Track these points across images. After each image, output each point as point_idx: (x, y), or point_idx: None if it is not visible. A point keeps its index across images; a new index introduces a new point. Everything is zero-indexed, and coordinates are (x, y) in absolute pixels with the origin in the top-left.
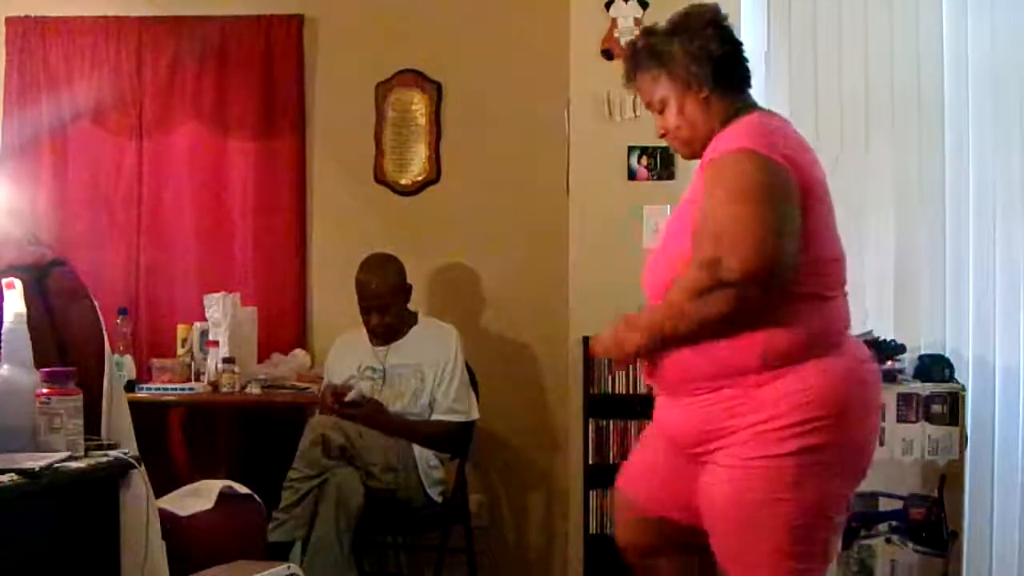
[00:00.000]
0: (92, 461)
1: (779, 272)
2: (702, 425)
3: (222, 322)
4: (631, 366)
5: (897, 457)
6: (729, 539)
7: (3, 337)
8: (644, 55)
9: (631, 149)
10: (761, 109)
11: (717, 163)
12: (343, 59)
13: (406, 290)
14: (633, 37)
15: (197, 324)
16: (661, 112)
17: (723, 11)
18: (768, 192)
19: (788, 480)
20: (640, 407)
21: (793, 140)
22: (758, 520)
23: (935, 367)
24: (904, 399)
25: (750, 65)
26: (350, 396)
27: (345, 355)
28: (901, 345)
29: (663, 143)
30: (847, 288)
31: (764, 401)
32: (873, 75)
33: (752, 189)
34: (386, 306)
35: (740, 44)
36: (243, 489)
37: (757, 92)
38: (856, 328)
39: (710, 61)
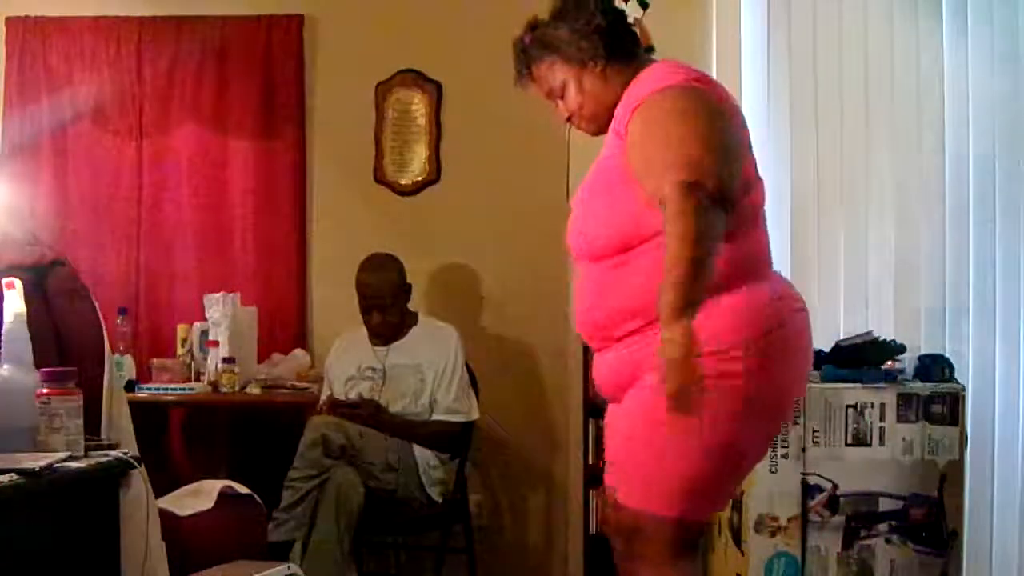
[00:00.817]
0: (92, 461)
1: (721, 178)
2: (627, 368)
3: (222, 322)
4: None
5: (897, 457)
6: (627, 459)
7: (3, 337)
8: (534, 47)
9: None
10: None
11: (646, 104)
12: (343, 59)
13: (406, 290)
14: (518, 35)
15: (197, 324)
16: (562, 97)
17: None
18: (702, 106)
19: (696, 403)
20: None
21: (701, 72)
22: (658, 440)
23: (935, 367)
24: (904, 399)
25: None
26: (350, 396)
27: (345, 355)
28: (901, 345)
29: None
30: (763, 220)
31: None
32: (873, 75)
33: (691, 111)
34: (387, 305)
35: (622, 12)
36: (243, 489)
37: (758, 92)
38: (856, 328)
39: (598, 34)
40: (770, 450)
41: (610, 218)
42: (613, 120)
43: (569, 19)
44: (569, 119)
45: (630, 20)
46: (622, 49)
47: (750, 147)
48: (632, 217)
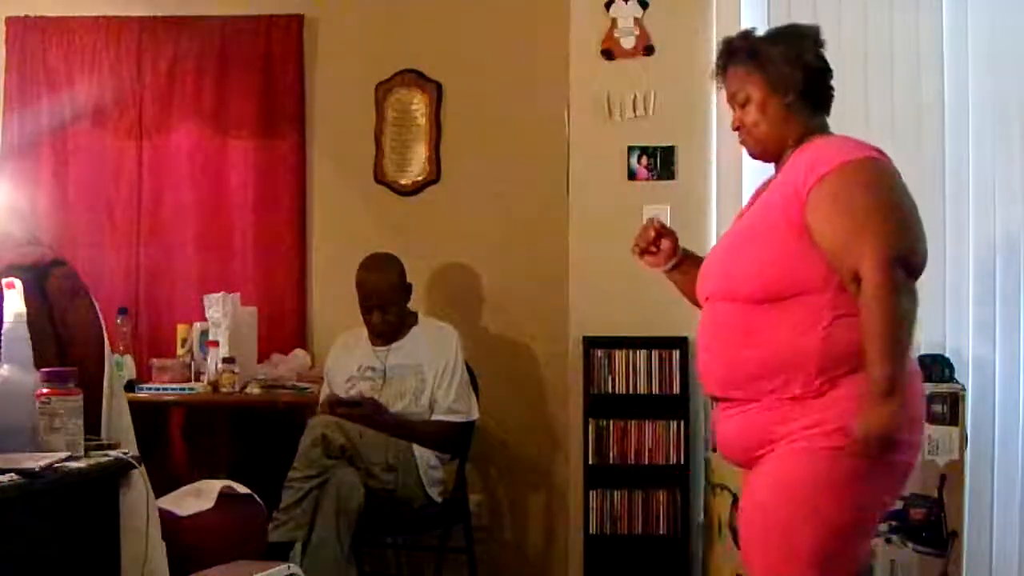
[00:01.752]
0: (92, 461)
1: (919, 252)
2: (757, 431)
3: (222, 322)
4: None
5: None
6: (762, 534)
7: (3, 337)
8: (741, 52)
9: (631, 149)
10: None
11: (839, 173)
12: (343, 59)
13: (406, 289)
14: (730, 35)
15: (197, 324)
16: (743, 107)
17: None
18: (894, 182)
19: (831, 475)
20: (640, 407)
21: (876, 146)
22: (796, 514)
23: (935, 367)
24: None
25: (833, 94)
26: (350, 396)
27: (345, 355)
28: None
29: (663, 143)
30: None
31: (817, 406)
32: (873, 75)
33: (880, 182)
34: (387, 305)
35: (830, 69)
36: (243, 489)
37: None
38: None
39: (803, 69)
40: None
41: (765, 264)
42: (788, 172)
43: (785, 42)
44: (738, 129)
45: (630, 20)
46: (815, 98)
47: None
48: (791, 269)
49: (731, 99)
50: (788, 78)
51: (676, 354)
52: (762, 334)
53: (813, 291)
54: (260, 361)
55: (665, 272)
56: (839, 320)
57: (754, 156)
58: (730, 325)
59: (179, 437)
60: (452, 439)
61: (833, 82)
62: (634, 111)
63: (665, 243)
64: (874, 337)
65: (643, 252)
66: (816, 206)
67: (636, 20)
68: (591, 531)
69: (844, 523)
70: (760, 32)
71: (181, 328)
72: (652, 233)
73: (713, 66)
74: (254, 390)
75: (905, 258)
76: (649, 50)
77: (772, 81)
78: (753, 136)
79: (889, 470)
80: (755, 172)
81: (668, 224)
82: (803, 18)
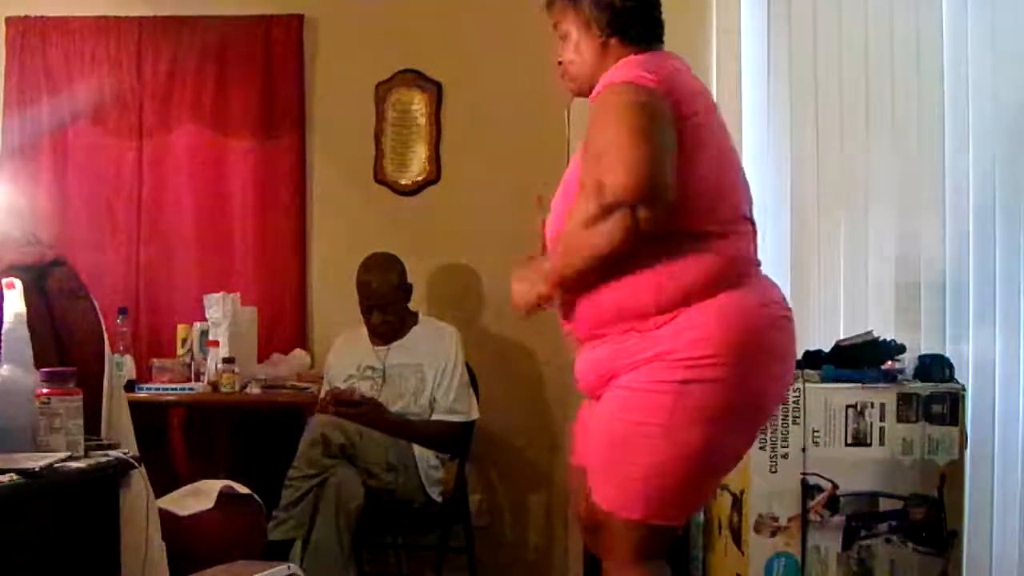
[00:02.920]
0: (92, 461)
1: (660, 189)
2: (605, 365)
3: (222, 322)
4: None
5: (897, 457)
6: (604, 456)
7: (3, 337)
8: None
9: None
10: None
11: (595, 100)
12: (343, 59)
13: (407, 289)
14: None
15: (197, 324)
16: (563, 41)
17: None
18: (640, 114)
19: (667, 407)
20: None
21: (670, 68)
22: (627, 442)
23: (935, 367)
24: (904, 399)
25: (659, 24)
26: (349, 387)
27: (345, 355)
28: (901, 345)
29: None
30: (749, 224)
31: (660, 339)
32: (873, 75)
33: (625, 114)
34: (387, 305)
35: (653, 2)
36: (243, 489)
37: (758, 92)
38: (856, 328)
39: (609, 8)
40: (770, 450)
41: (565, 206)
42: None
43: None
44: (559, 64)
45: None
46: (630, 33)
47: (732, 149)
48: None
49: (555, 32)
50: (596, 19)
51: None
52: (604, 281)
53: None
54: (260, 361)
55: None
56: (665, 254)
57: (572, 93)
58: None
59: (179, 437)
60: (452, 439)
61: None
62: None
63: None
64: (565, 249)
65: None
66: (585, 138)
67: None
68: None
69: (668, 457)
70: None
71: (181, 328)
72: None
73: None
74: (254, 390)
75: (643, 194)
76: None
77: (584, 19)
78: (569, 73)
79: (714, 406)
80: (755, 172)
81: None
82: (803, 17)
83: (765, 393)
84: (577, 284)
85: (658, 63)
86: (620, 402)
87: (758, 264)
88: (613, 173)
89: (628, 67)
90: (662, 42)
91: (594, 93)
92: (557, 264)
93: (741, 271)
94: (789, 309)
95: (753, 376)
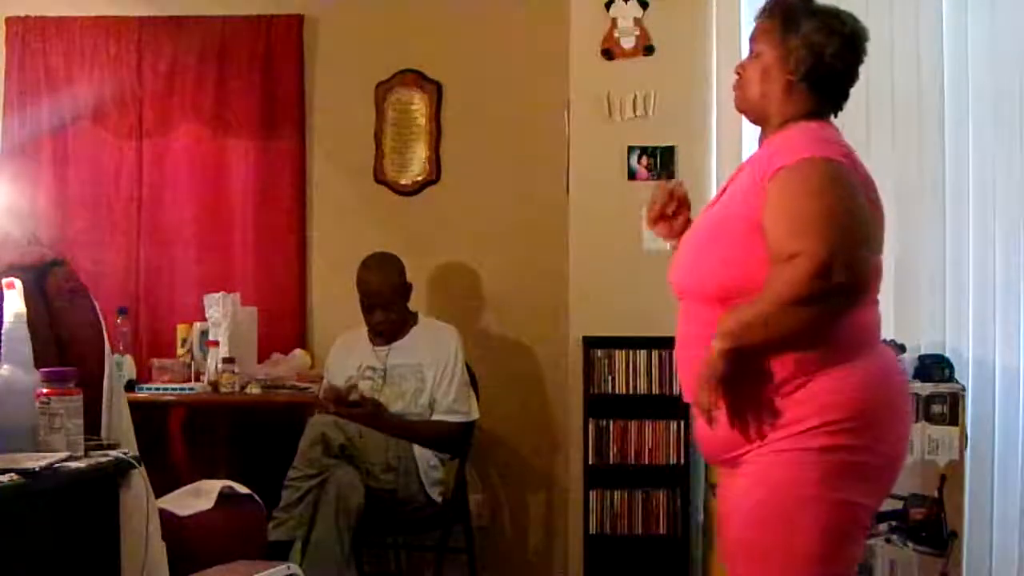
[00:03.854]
0: (92, 461)
1: (863, 260)
2: (732, 434)
3: (222, 322)
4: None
5: None
6: (750, 542)
7: (3, 337)
8: (779, 9)
9: (631, 149)
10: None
11: (795, 168)
12: (343, 59)
13: (407, 288)
14: None
15: (197, 324)
16: (752, 59)
17: (867, 42)
18: (845, 189)
19: (817, 475)
20: (639, 407)
21: (848, 147)
22: (788, 516)
23: (935, 367)
24: None
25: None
26: (351, 396)
27: (345, 355)
28: (901, 345)
29: (663, 143)
30: (879, 294)
31: (790, 404)
32: (873, 75)
33: (830, 186)
34: (389, 304)
35: (849, 75)
36: (243, 489)
37: None
38: None
39: (816, 56)
40: None
41: (727, 263)
42: (756, 158)
43: (819, 23)
44: (737, 75)
45: (630, 20)
46: (819, 90)
47: (881, 218)
48: (752, 267)
49: (749, 48)
50: (797, 58)
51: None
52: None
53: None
54: (260, 361)
55: (672, 247)
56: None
57: (737, 108)
58: (696, 325)
59: (179, 437)
60: (452, 439)
61: (852, 92)
62: (634, 111)
63: (681, 218)
64: (755, 308)
65: (657, 218)
66: (768, 201)
67: (636, 20)
68: (591, 531)
69: (833, 524)
70: (817, 2)
71: (181, 328)
72: (669, 196)
73: (764, 10)
74: (254, 390)
75: (843, 268)
76: (649, 50)
77: (786, 50)
78: (743, 91)
79: (857, 469)
80: None
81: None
82: None
83: (894, 453)
84: (754, 339)
85: (842, 141)
86: (769, 477)
87: (880, 331)
88: (811, 244)
89: (825, 142)
90: (834, 114)
91: (786, 158)
92: (750, 321)
93: (874, 337)
94: (904, 370)
95: (884, 438)
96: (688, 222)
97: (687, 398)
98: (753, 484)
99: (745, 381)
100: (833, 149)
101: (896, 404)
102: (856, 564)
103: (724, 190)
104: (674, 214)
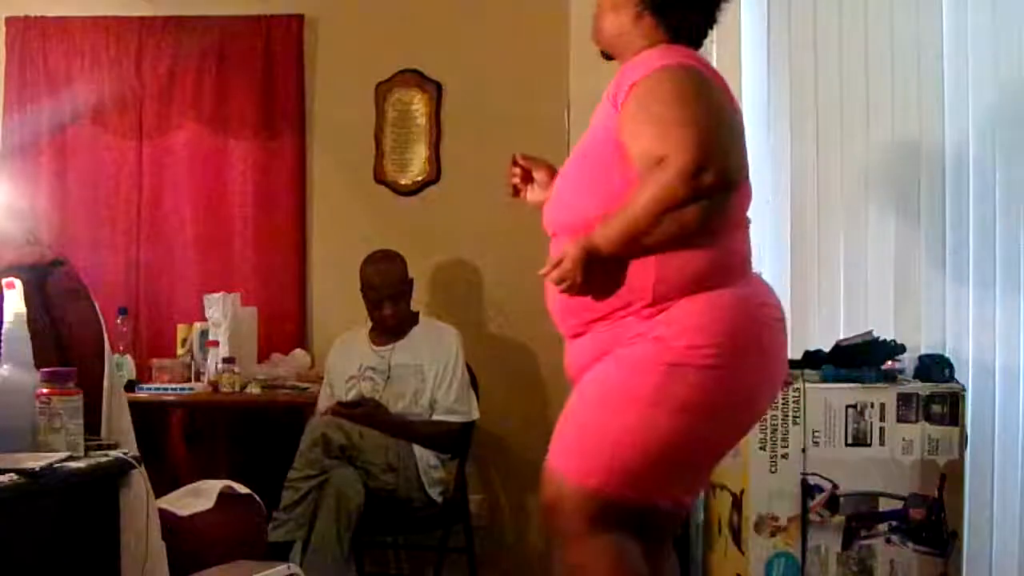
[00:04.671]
0: (92, 461)
1: (732, 158)
2: (594, 352)
3: (222, 322)
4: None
5: (897, 457)
6: (573, 417)
7: (3, 337)
8: None
9: None
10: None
11: (648, 79)
12: (343, 59)
13: (410, 284)
14: None
15: (197, 324)
16: None
17: None
18: (705, 91)
19: (652, 384)
20: None
21: (705, 61)
22: (603, 406)
23: (935, 367)
24: (904, 399)
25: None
26: (350, 396)
27: (345, 355)
28: (901, 345)
29: None
30: (746, 220)
31: (657, 324)
32: (873, 75)
33: (689, 89)
34: (397, 296)
35: (699, 5)
36: (243, 489)
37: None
38: (856, 328)
39: None
40: (770, 450)
41: (594, 192)
42: (610, 86)
43: None
44: (596, 12)
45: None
46: (669, 17)
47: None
48: (620, 194)
49: None
50: None
51: None
52: (594, 266)
53: None
54: (260, 361)
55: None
56: (672, 246)
57: (593, 40)
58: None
59: (179, 437)
60: (452, 439)
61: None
62: None
63: (539, 175)
64: (627, 213)
65: (516, 191)
66: (627, 118)
67: None
68: None
69: (648, 433)
70: None
71: (181, 328)
72: (516, 168)
73: None
74: (254, 390)
75: (712, 165)
76: None
77: None
78: (597, 27)
79: (690, 389)
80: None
81: None
82: (803, 17)
83: (755, 390)
84: (631, 242)
85: (701, 58)
86: (607, 369)
87: (751, 262)
88: (678, 144)
89: (676, 54)
90: (695, 44)
91: (638, 74)
92: (610, 230)
93: (741, 267)
94: (782, 311)
95: (744, 372)
96: (550, 173)
97: (561, 327)
98: (591, 374)
99: (610, 300)
100: (686, 59)
101: (762, 338)
102: (662, 489)
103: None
104: (529, 179)
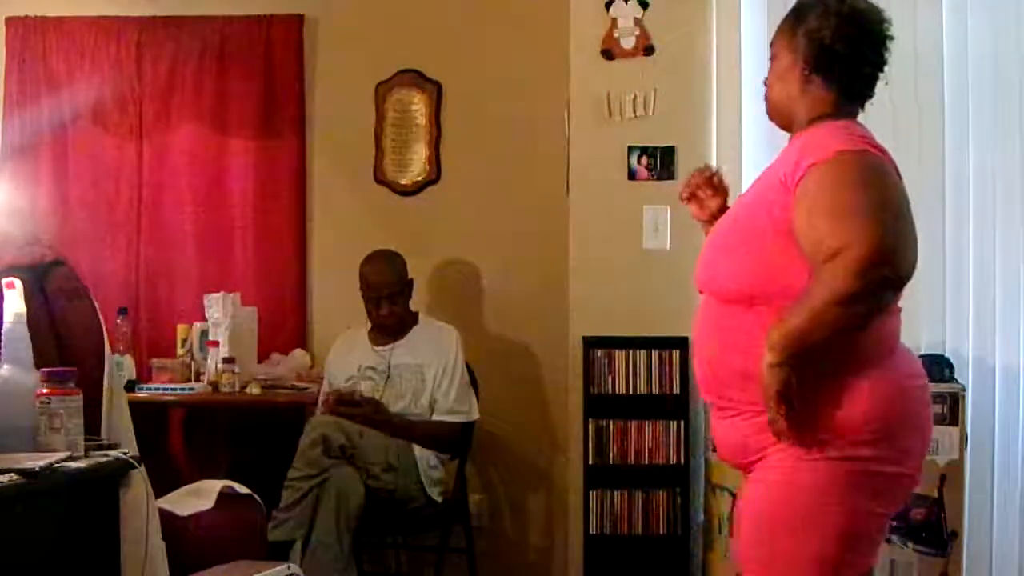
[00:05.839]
0: (92, 461)
1: (904, 266)
2: (740, 439)
3: (222, 322)
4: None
5: None
6: (769, 544)
7: (3, 337)
8: (793, 9)
9: (631, 149)
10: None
11: (829, 164)
12: (343, 59)
13: (410, 284)
14: None
15: (197, 324)
16: (772, 63)
17: (887, 25)
18: (884, 181)
19: (838, 484)
20: (639, 407)
21: (878, 143)
22: (807, 522)
23: (935, 367)
24: None
25: (869, 89)
26: (349, 388)
27: (345, 355)
28: None
29: (663, 143)
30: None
31: (812, 412)
32: None
33: (869, 179)
34: (395, 296)
35: (862, 55)
36: (243, 489)
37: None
38: None
39: (817, 43)
40: None
41: (748, 264)
42: (782, 163)
43: (815, 12)
44: (765, 84)
45: (630, 20)
46: (835, 78)
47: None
48: (775, 272)
49: (770, 51)
50: (803, 51)
51: (676, 354)
52: (741, 340)
53: (796, 296)
54: (260, 361)
55: (704, 227)
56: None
57: (768, 116)
58: (715, 325)
59: (179, 437)
60: (452, 439)
61: (879, 82)
62: (634, 111)
63: (715, 201)
64: (803, 307)
65: (690, 196)
66: (800, 200)
67: (636, 20)
68: (591, 531)
69: (840, 532)
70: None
71: (181, 328)
72: (705, 178)
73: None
74: (254, 390)
75: (890, 261)
76: (649, 50)
77: (793, 48)
78: (768, 97)
79: (874, 480)
80: (755, 173)
81: (668, 223)
82: None
83: (910, 463)
84: (804, 343)
85: (872, 136)
86: (791, 481)
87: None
88: (856, 237)
89: (856, 138)
90: (862, 105)
91: (817, 156)
92: (798, 327)
93: (892, 347)
94: (925, 376)
95: (905, 448)
96: (723, 208)
97: (702, 394)
98: (773, 485)
99: (750, 398)
100: (865, 142)
101: (915, 415)
102: (869, 573)
103: (753, 186)
104: (707, 193)
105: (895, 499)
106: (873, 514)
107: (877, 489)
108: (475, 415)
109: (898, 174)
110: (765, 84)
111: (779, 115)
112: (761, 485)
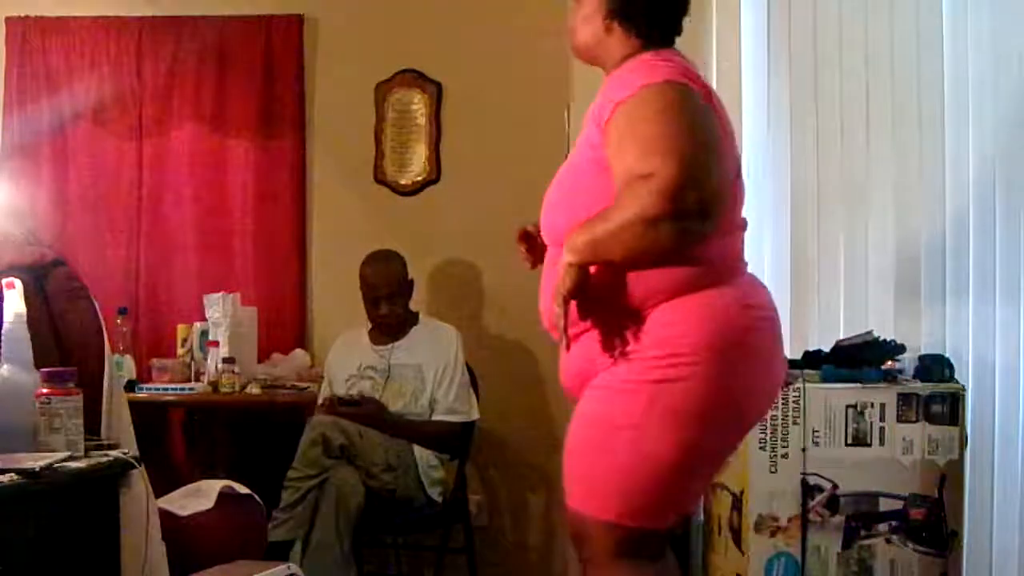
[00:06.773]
0: (92, 461)
1: (709, 190)
2: (584, 364)
3: (222, 322)
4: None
5: (897, 457)
6: (578, 458)
7: (3, 337)
8: None
9: None
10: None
11: (634, 99)
12: (343, 59)
13: (410, 284)
14: None
15: (197, 324)
16: (576, 6)
17: None
18: (689, 107)
19: (640, 407)
20: None
21: (689, 68)
22: (599, 442)
23: (935, 367)
24: (904, 399)
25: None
26: (350, 395)
27: (345, 355)
28: (901, 345)
29: None
30: (740, 221)
31: (637, 334)
32: (873, 75)
33: (673, 107)
34: (395, 295)
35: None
36: (243, 489)
37: (758, 92)
38: (856, 328)
39: None
40: (770, 450)
41: (573, 205)
42: (594, 105)
43: None
44: (569, 27)
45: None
46: (636, 22)
47: (733, 143)
48: (599, 207)
49: None
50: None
51: None
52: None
53: None
54: (260, 361)
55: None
56: (647, 263)
57: (574, 54)
58: (552, 269)
59: (179, 437)
60: (452, 439)
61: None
62: None
63: (535, 251)
64: (595, 225)
65: (531, 260)
66: (610, 136)
67: None
68: None
69: (648, 458)
70: None
71: (181, 328)
72: (522, 245)
73: None
74: (254, 390)
75: (695, 187)
76: None
77: None
78: (572, 42)
79: (679, 400)
80: (755, 173)
81: None
82: (803, 18)
83: (747, 392)
84: (598, 254)
85: (682, 63)
86: (594, 402)
87: (745, 264)
88: (662, 163)
89: (661, 69)
90: (671, 43)
91: (622, 93)
92: (594, 237)
93: (731, 269)
94: (774, 310)
95: (731, 375)
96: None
97: (552, 334)
98: (580, 409)
99: (595, 306)
100: (671, 72)
101: (753, 347)
102: (676, 504)
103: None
104: (530, 251)
105: (720, 429)
106: (683, 440)
107: (692, 415)
108: (475, 415)
109: (710, 100)
110: (570, 28)
111: (587, 57)
112: (584, 401)
